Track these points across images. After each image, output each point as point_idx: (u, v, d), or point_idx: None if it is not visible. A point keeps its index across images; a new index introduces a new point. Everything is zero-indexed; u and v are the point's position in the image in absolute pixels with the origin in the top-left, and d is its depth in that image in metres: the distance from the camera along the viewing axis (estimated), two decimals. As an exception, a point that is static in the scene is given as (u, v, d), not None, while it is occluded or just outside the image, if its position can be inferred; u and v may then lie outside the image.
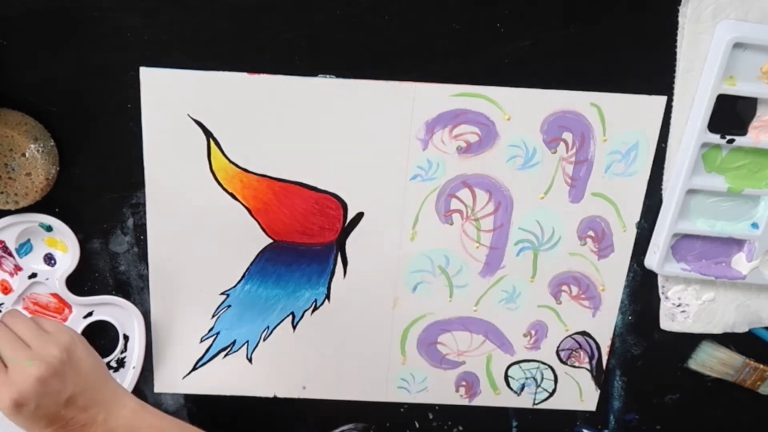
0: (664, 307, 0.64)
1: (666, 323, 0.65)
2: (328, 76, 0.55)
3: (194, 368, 0.65)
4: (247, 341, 0.64)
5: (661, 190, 0.60)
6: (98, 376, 0.51)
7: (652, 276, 0.64)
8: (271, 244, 0.61)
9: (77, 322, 0.61)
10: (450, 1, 0.54)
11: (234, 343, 0.64)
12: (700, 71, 0.56)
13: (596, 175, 0.60)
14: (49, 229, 0.58)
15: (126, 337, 0.62)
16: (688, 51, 0.55)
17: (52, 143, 0.55)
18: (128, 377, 0.63)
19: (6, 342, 0.48)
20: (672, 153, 0.59)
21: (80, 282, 0.60)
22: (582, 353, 0.67)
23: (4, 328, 0.49)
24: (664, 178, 0.60)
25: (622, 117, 0.58)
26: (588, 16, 0.55)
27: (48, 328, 0.50)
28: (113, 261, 0.61)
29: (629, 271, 0.63)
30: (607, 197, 0.61)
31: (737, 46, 0.54)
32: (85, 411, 0.49)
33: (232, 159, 0.58)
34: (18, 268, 0.59)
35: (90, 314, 0.61)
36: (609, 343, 0.66)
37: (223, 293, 0.62)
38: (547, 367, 0.67)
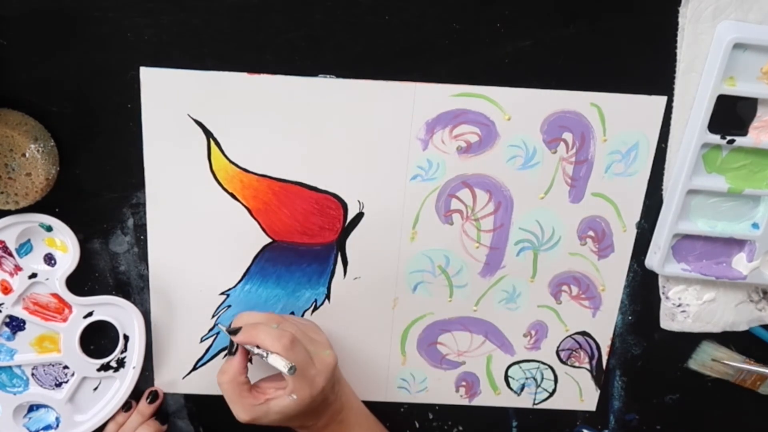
0: (665, 307, 0.64)
1: (666, 323, 0.65)
2: (328, 76, 0.55)
3: (194, 368, 0.65)
4: (247, 341, 0.64)
5: (661, 190, 0.60)
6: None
7: (652, 276, 0.64)
8: (271, 244, 0.61)
9: (77, 322, 0.61)
10: (450, 1, 0.54)
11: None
12: (701, 71, 0.56)
13: (596, 175, 0.60)
14: (49, 229, 0.58)
15: (126, 337, 0.62)
16: (688, 51, 0.55)
17: (52, 143, 0.55)
18: (128, 377, 0.63)
19: (303, 338, 0.56)
20: (672, 153, 0.59)
21: (80, 282, 0.60)
22: (582, 353, 0.67)
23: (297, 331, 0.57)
24: (665, 178, 0.60)
25: (622, 117, 0.58)
26: (588, 16, 0.55)
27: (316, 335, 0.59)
28: (113, 261, 0.61)
29: (629, 271, 0.63)
30: (607, 197, 0.61)
31: (737, 46, 0.54)
32: (336, 395, 0.58)
33: (232, 159, 0.58)
34: (18, 268, 0.59)
35: (90, 314, 0.61)
36: (609, 343, 0.66)
37: (223, 293, 0.62)
38: (547, 367, 0.67)
